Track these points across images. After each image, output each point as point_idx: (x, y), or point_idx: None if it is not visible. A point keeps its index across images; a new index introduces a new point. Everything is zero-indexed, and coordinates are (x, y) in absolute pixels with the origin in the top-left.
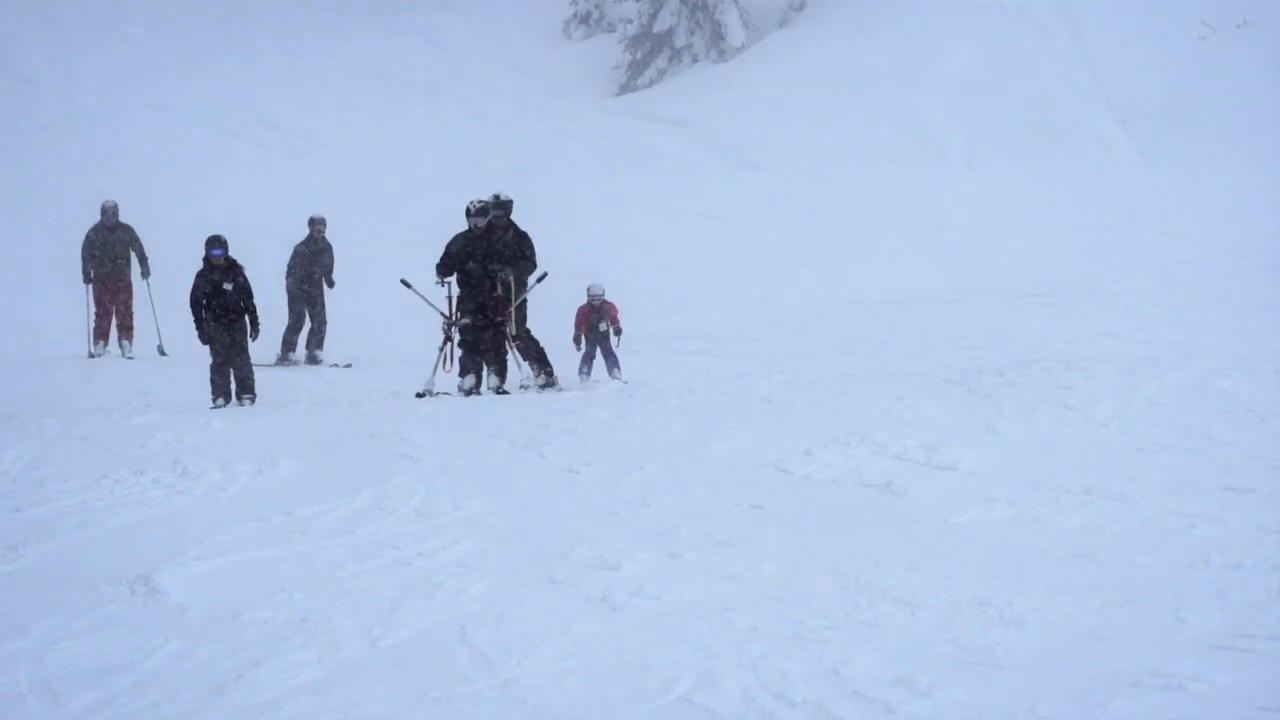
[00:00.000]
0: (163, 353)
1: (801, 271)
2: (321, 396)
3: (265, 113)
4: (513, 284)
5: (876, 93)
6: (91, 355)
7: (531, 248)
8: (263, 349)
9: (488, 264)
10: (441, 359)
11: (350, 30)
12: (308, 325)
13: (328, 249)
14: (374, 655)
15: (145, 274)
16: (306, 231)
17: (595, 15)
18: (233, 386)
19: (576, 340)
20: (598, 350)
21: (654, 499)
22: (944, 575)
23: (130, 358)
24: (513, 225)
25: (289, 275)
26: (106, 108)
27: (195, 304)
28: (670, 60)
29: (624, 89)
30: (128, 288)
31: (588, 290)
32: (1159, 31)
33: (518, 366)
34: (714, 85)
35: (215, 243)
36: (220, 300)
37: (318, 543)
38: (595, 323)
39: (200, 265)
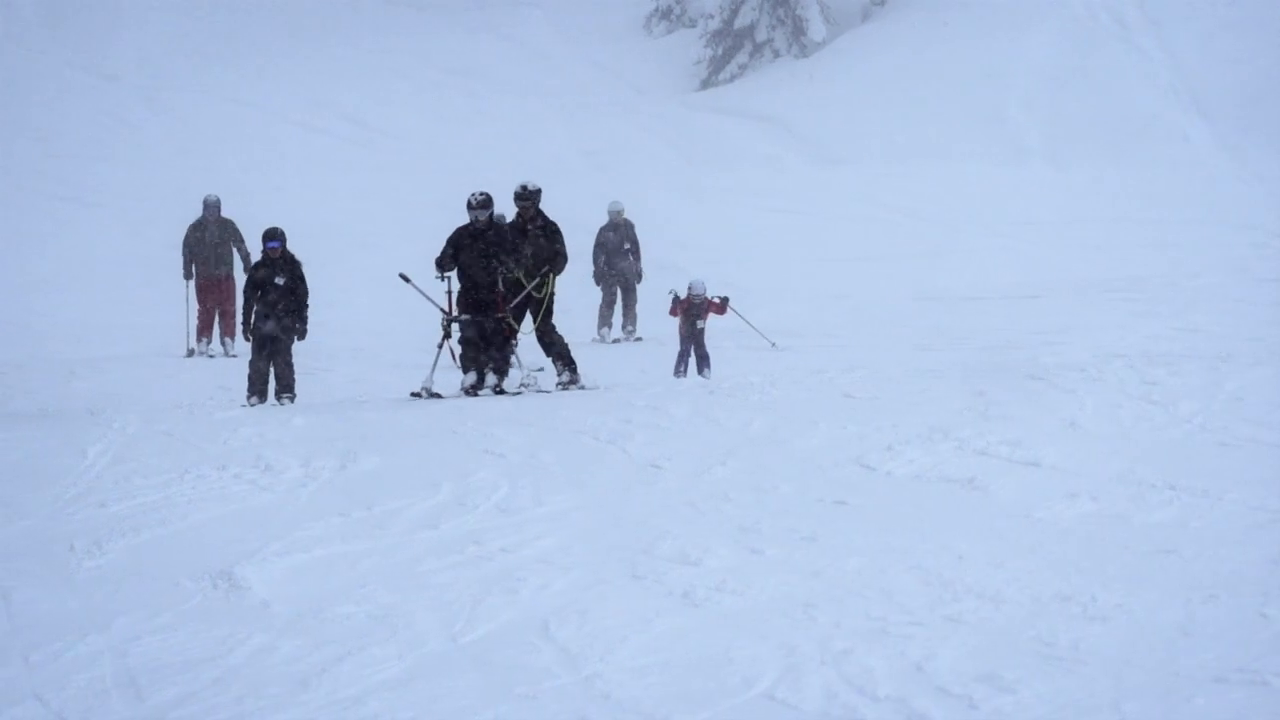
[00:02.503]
0: (192, 354)
1: (882, 267)
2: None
3: (347, 109)
4: (546, 277)
5: (957, 88)
6: (191, 353)
7: (560, 239)
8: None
9: (489, 258)
10: (440, 355)
11: (431, 26)
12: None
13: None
14: (456, 651)
15: (246, 269)
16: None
17: (676, 10)
18: (271, 385)
19: (682, 339)
20: (692, 349)
21: (736, 494)
22: (1027, 570)
23: (234, 355)
24: (541, 215)
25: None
26: (189, 104)
27: (247, 297)
28: (751, 55)
29: (705, 84)
30: (230, 284)
31: (689, 287)
32: (1240, 25)
33: (518, 366)
34: (795, 80)
35: (271, 235)
36: (270, 295)
37: (399, 538)
38: (694, 319)
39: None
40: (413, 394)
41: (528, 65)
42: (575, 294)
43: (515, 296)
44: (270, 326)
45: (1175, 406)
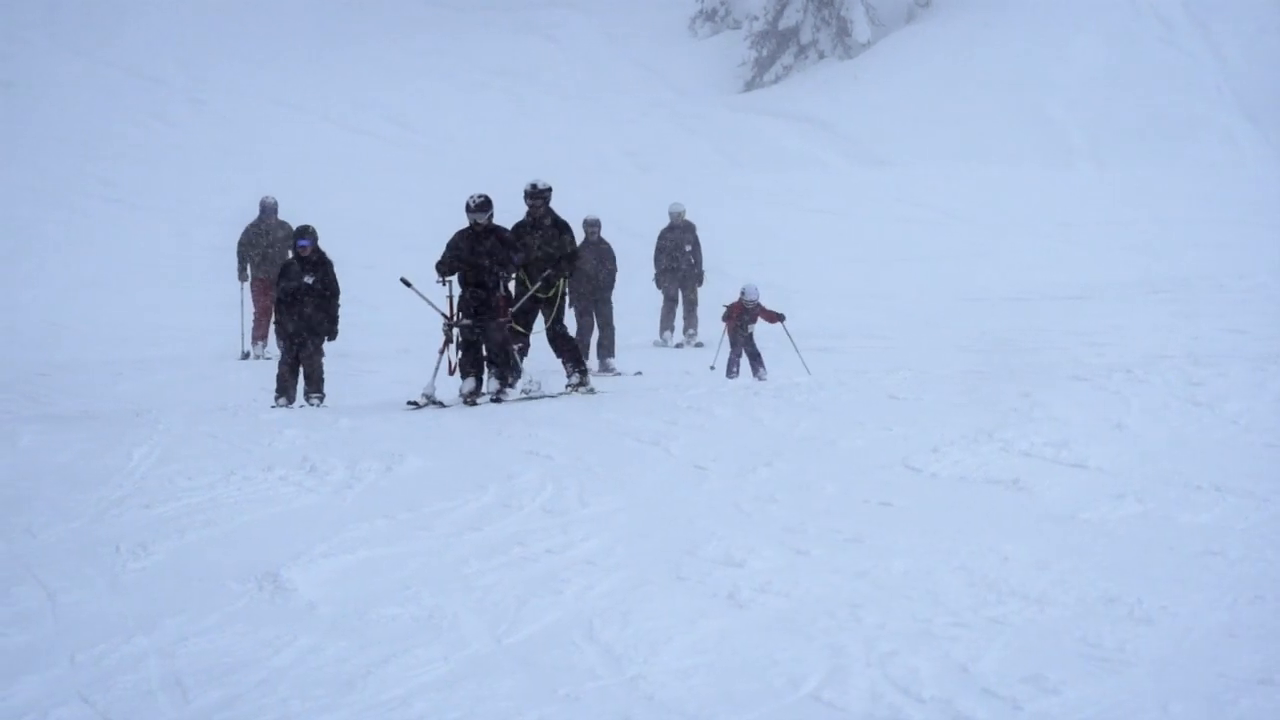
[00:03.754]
0: (246, 356)
1: (926, 268)
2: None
3: (390, 110)
4: (557, 278)
5: (1002, 89)
6: (246, 356)
7: (572, 239)
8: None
9: (489, 262)
10: (442, 362)
11: (476, 28)
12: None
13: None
14: (501, 652)
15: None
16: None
17: (721, 12)
18: (301, 385)
19: (732, 342)
20: (743, 351)
21: (780, 495)
22: (1073, 572)
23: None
24: (551, 214)
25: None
26: (233, 106)
27: (277, 296)
28: (796, 57)
29: (750, 85)
30: None
31: (741, 292)
32: None
33: (519, 370)
34: (840, 81)
35: (301, 233)
36: (300, 293)
37: (444, 539)
38: (745, 323)
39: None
40: (410, 403)
41: (571, 66)
42: (638, 296)
43: (522, 298)
44: (298, 326)
45: (1221, 407)
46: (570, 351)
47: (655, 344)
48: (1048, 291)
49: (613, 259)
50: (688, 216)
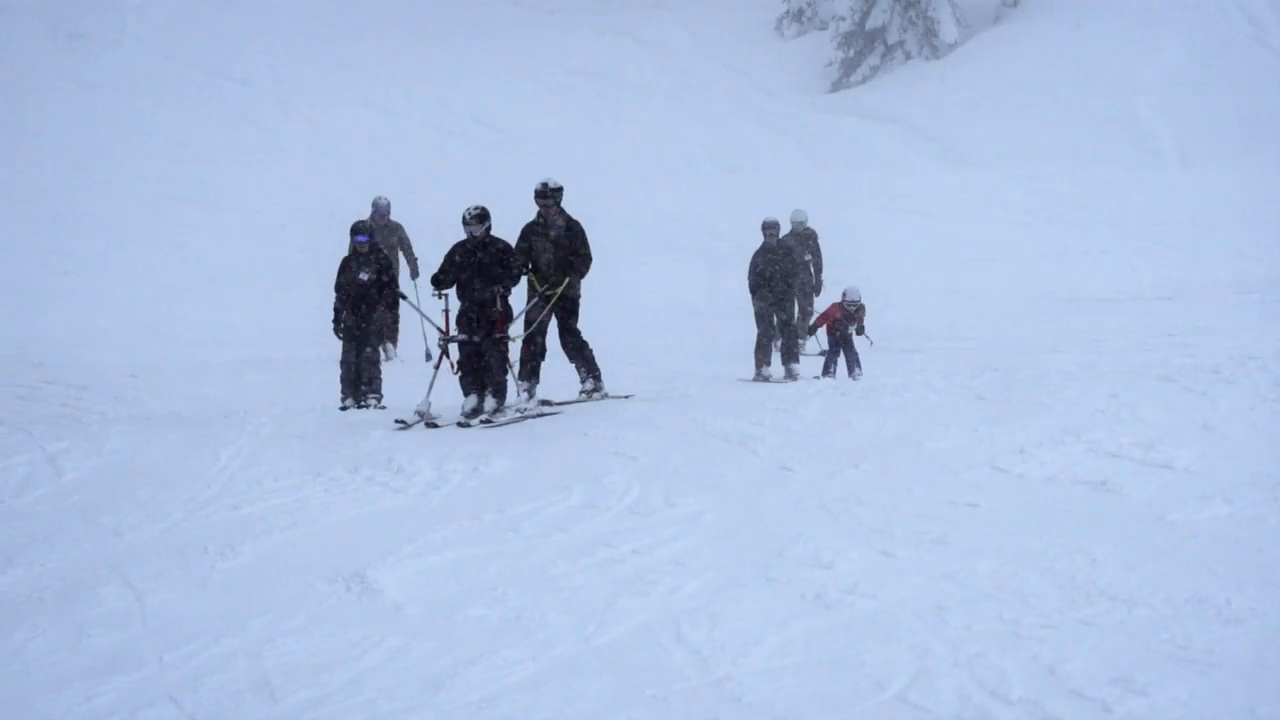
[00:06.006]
0: (429, 357)
1: (1012, 268)
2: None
3: (477, 111)
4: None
5: (1089, 89)
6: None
7: (584, 240)
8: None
9: (485, 276)
10: (436, 378)
11: (562, 29)
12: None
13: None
14: (588, 653)
15: (414, 274)
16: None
17: (808, 13)
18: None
19: (812, 330)
20: (841, 351)
21: (867, 497)
22: (1161, 573)
23: (390, 359)
24: (563, 214)
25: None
26: (320, 108)
27: (337, 293)
28: (883, 57)
29: (836, 86)
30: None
31: (843, 294)
32: None
33: (515, 388)
34: (927, 82)
35: (360, 229)
36: (357, 290)
37: (531, 540)
38: (845, 325)
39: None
40: (398, 422)
41: (658, 67)
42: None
43: (532, 299)
44: (355, 323)
45: None
46: (584, 358)
47: (754, 380)
48: (1135, 292)
49: (793, 261)
50: (809, 224)
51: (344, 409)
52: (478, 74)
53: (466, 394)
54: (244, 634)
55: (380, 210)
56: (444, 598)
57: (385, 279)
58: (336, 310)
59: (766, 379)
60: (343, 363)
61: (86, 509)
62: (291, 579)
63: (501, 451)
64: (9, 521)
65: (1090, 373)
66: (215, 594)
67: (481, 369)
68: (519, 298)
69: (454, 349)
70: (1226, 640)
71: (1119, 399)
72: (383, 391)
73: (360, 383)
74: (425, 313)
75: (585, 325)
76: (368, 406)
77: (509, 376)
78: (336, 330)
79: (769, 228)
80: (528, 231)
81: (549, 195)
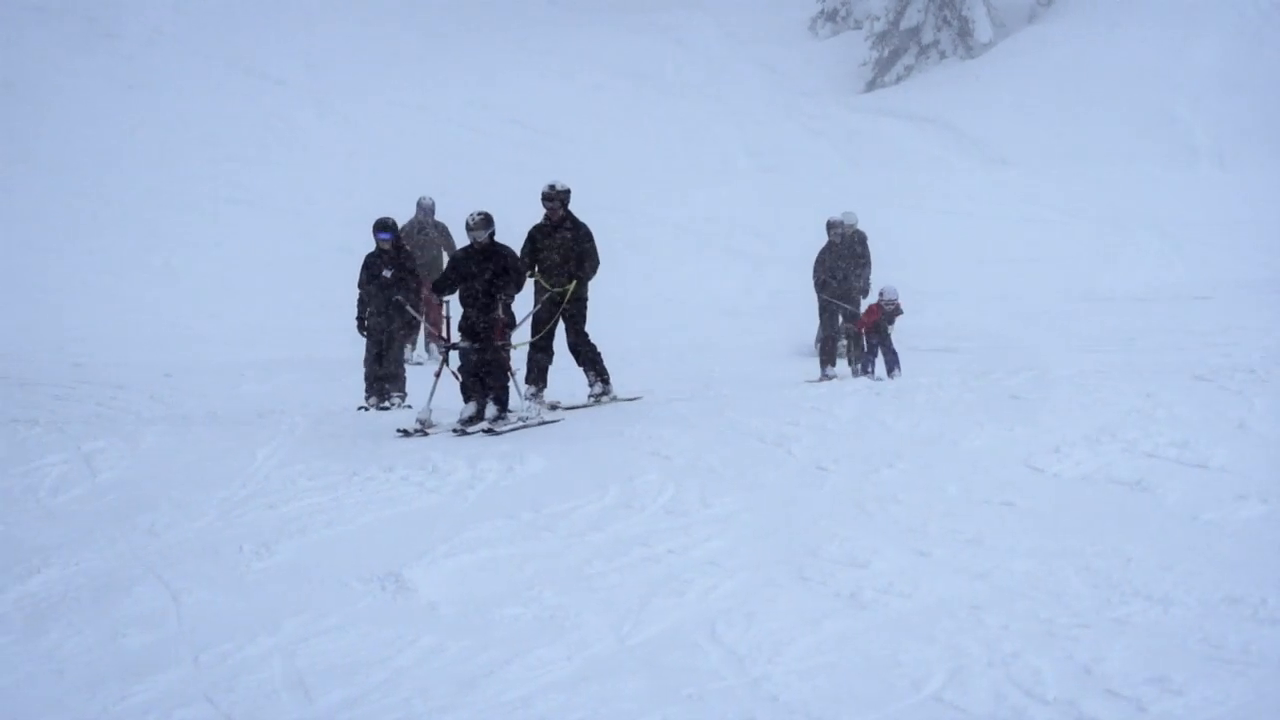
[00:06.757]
0: (430, 355)
1: (1048, 268)
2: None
3: (512, 110)
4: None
5: (1125, 88)
6: (413, 362)
7: (590, 242)
8: None
9: (488, 283)
10: (437, 386)
11: (597, 28)
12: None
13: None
14: (623, 652)
15: None
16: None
17: (842, 12)
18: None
19: (846, 334)
20: (879, 350)
21: (902, 496)
22: (1196, 573)
23: (420, 362)
24: (570, 217)
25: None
26: (355, 108)
27: (360, 290)
28: (918, 57)
29: (871, 86)
30: None
31: (880, 293)
32: None
33: (518, 395)
34: (962, 81)
35: (382, 226)
36: (379, 288)
37: (566, 540)
38: (884, 325)
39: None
40: (400, 431)
41: (692, 67)
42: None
43: (540, 301)
44: (378, 322)
45: None
46: (593, 361)
47: (819, 380)
48: (1170, 291)
49: (858, 259)
50: (859, 225)
51: (364, 409)
52: (513, 74)
53: (466, 401)
54: (279, 633)
55: (426, 210)
56: (479, 597)
57: (405, 277)
58: (360, 307)
59: (831, 379)
60: (366, 362)
61: (122, 508)
62: (327, 578)
63: (537, 450)
64: (44, 521)
65: (1125, 372)
66: (250, 593)
67: (483, 376)
68: (524, 303)
69: (454, 356)
70: (1262, 640)
71: (1154, 398)
72: (406, 390)
73: (384, 382)
74: (424, 319)
75: (621, 324)
76: (390, 406)
77: (511, 383)
78: (360, 328)
79: (834, 226)
80: (535, 234)
81: (556, 197)
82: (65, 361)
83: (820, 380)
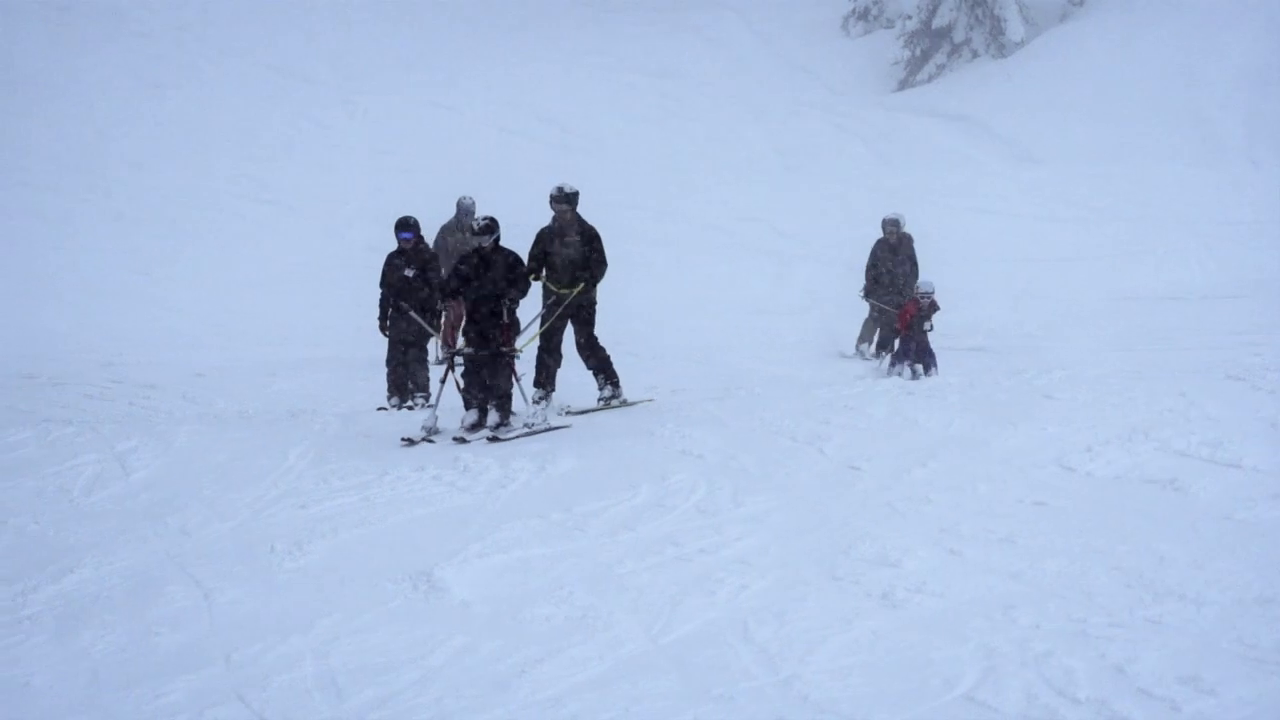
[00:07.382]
0: (437, 360)
1: (1080, 267)
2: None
3: (542, 110)
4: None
5: (1157, 87)
6: (437, 361)
7: (600, 245)
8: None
9: (492, 288)
10: (442, 393)
11: (626, 28)
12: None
13: None
14: (655, 652)
15: None
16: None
17: (874, 11)
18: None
19: (886, 344)
20: (913, 347)
21: (935, 495)
22: (1229, 572)
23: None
24: (579, 220)
25: None
26: (385, 107)
27: (382, 289)
28: (949, 56)
29: (902, 85)
30: None
31: (916, 288)
32: None
33: (524, 401)
34: (993, 80)
35: (404, 225)
36: (401, 288)
37: (598, 539)
38: (919, 321)
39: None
40: (404, 439)
41: (723, 66)
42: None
43: (546, 303)
44: (402, 321)
45: None
46: (602, 364)
47: (853, 355)
48: (1203, 290)
49: (911, 260)
50: (906, 228)
51: (384, 410)
52: (543, 73)
53: (468, 407)
54: (311, 633)
55: (465, 210)
56: (511, 596)
57: (429, 276)
58: (381, 307)
59: (864, 357)
60: (388, 361)
61: (154, 508)
62: (358, 578)
63: (568, 450)
64: (77, 520)
65: (1158, 371)
66: (282, 593)
67: (486, 381)
68: (529, 307)
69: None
70: None
71: (1187, 397)
72: (430, 390)
73: (407, 382)
74: (425, 322)
75: (649, 323)
76: (414, 407)
77: (517, 389)
78: (382, 328)
79: (890, 224)
80: (543, 236)
81: (564, 200)
82: (97, 361)
83: (854, 355)
